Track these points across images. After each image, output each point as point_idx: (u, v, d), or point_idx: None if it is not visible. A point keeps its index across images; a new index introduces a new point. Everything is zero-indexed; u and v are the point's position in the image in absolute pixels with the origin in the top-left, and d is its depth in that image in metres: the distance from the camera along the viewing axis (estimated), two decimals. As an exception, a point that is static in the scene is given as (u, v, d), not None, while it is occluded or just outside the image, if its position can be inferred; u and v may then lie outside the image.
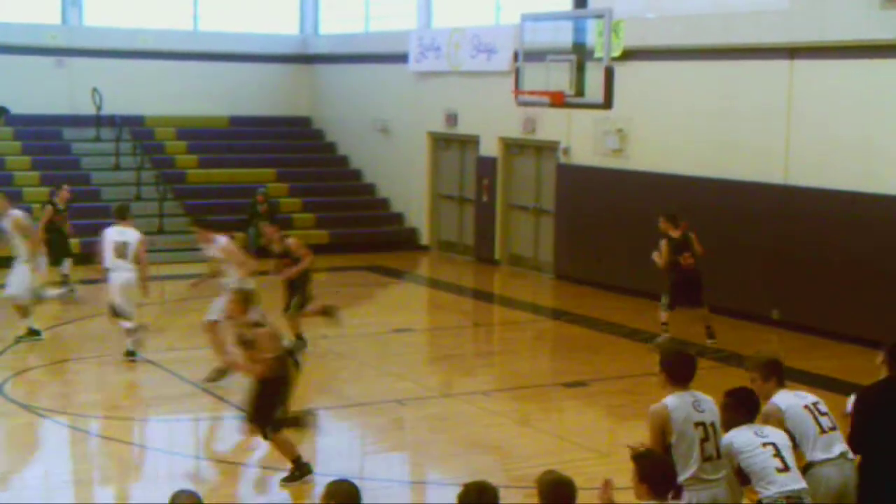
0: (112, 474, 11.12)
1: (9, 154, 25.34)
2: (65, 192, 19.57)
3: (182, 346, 16.08)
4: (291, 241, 15.66)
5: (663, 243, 16.10)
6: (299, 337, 15.44)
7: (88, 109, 26.14)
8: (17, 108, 26.15)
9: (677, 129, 19.21)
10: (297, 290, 15.48)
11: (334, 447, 12.06)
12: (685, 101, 19.08)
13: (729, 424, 7.62)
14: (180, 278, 19.13)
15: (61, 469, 11.22)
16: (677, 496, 7.35)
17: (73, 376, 14.57)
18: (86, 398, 13.50)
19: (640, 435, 7.95)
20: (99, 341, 16.25)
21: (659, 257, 16.07)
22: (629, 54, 18.71)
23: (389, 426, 12.73)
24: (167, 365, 14.68)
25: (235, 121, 28.23)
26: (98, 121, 26.19)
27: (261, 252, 23.88)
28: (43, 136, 26.20)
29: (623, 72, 16.78)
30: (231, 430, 12.39)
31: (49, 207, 19.28)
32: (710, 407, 7.62)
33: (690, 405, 7.53)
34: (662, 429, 7.45)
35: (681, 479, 7.36)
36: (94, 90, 25.97)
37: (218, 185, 25.73)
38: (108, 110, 26.11)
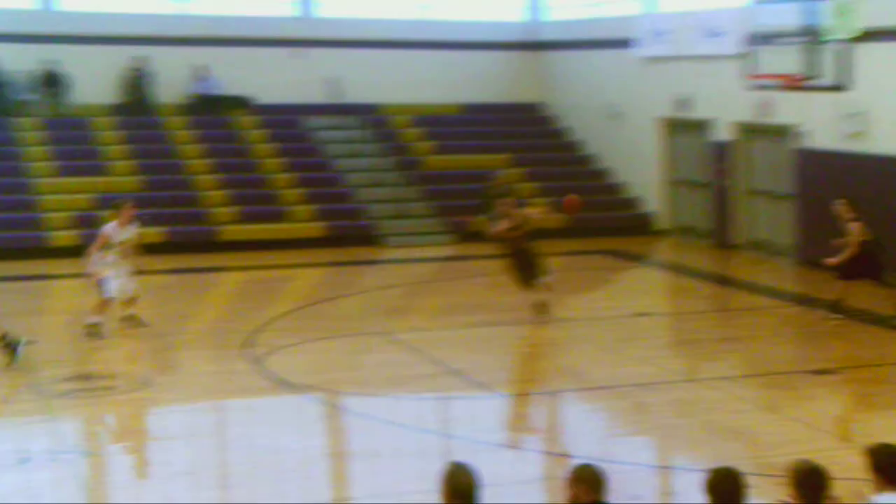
0: (363, 449, 11.45)
1: (255, 143, 26.37)
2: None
3: (429, 326, 16.48)
4: None
5: (858, 226, 16.10)
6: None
7: (327, 98, 26.94)
8: (260, 98, 27.18)
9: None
10: None
11: (579, 430, 12.20)
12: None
13: None
14: (421, 262, 19.53)
15: (316, 442, 11.63)
16: None
17: (327, 354, 15.06)
18: (339, 375, 13.96)
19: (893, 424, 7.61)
20: (354, 320, 16.87)
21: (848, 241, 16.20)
22: (868, 35, 18.16)
23: (633, 410, 12.72)
24: (415, 344, 15.06)
25: (469, 108, 28.61)
26: (339, 110, 26.96)
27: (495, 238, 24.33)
28: (287, 124, 27.15)
29: (862, 52, 16.34)
30: (479, 408, 12.68)
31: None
32: None
33: None
34: None
35: None
36: (333, 80, 26.73)
37: (454, 171, 26.16)
38: (347, 99, 26.83)
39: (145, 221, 22.79)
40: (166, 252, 21.95)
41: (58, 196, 23.79)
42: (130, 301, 15.71)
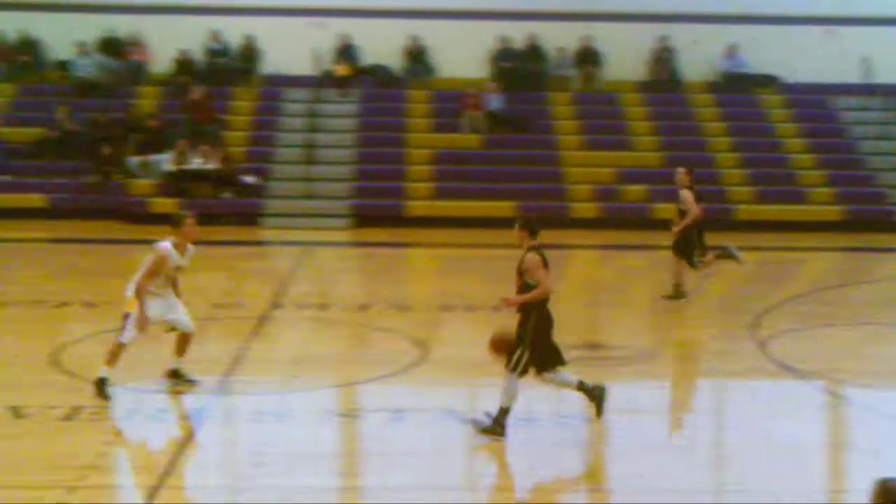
0: (864, 443, 11.12)
1: (779, 122, 26.15)
2: None
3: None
4: None
5: (691, 195, 16.07)
6: None
7: (857, 78, 26.17)
8: (788, 77, 26.87)
9: None
10: None
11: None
12: None
13: None
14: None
15: (815, 431, 11.44)
16: None
17: (833, 341, 14.79)
18: (844, 364, 13.62)
19: None
20: (865, 308, 16.43)
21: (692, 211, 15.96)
22: None
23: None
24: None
25: None
26: (866, 90, 26.13)
27: None
28: (813, 104, 26.66)
29: None
30: None
31: None
32: None
33: None
34: None
35: None
36: (864, 59, 25.92)
37: None
38: (879, 80, 25.95)
39: (663, 198, 23.53)
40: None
41: (583, 169, 24.82)
42: (183, 340, 11.84)
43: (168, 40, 27.15)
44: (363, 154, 25.53)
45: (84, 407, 10.97)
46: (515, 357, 10.35)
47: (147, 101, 26.61)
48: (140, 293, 11.21)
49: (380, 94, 27.20)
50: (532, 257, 10.45)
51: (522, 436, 10.68)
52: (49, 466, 9.43)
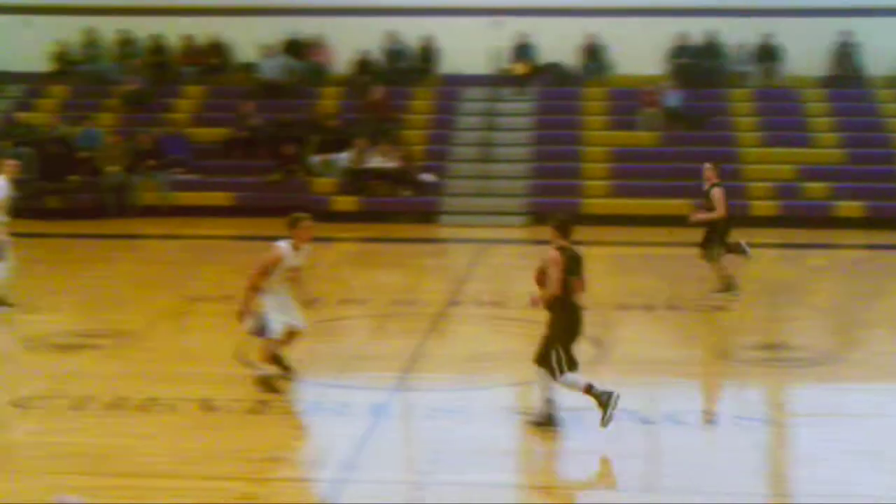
0: None
1: None
2: None
3: None
4: None
5: (721, 192, 15.84)
6: None
7: None
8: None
9: None
10: None
11: None
12: None
13: None
14: None
15: None
16: None
17: None
18: None
19: None
20: None
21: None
22: None
23: None
24: None
25: None
26: None
27: None
28: None
29: None
30: None
31: None
32: None
33: None
34: None
35: None
36: None
37: None
38: None
39: (845, 195, 23.09)
40: (862, 227, 22.00)
41: (762, 166, 24.45)
42: (290, 336, 11.76)
43: (348, 41, 27.70)
44: (540, 152, 25.62)
45: (269, 401, 11.31)
46: (553, 361, 10.33)
47: (328, 101, 27.19)
48: (252, 289, 11.40)
49: (556, 92, 27.23)
50: (552, 254, 10.24)
51: (701, 437, 10.63)
52: (236, 458, 9.73)
